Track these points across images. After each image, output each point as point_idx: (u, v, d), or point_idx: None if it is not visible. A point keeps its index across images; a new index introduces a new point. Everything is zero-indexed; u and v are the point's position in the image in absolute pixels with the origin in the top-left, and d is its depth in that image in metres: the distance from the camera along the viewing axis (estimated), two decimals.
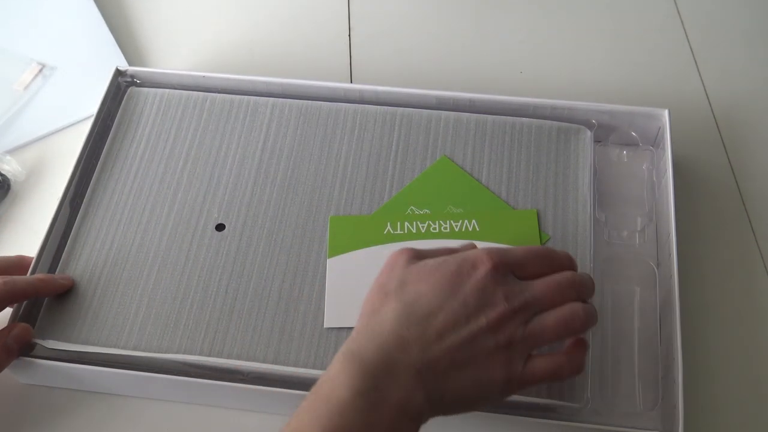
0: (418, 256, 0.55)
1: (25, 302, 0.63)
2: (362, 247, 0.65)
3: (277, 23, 0.89)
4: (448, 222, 0.66)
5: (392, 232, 0.66)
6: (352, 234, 0.66)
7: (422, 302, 0.51)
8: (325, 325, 0.62)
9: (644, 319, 0.64)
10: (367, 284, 0.62)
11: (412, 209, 0.67)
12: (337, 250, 0.65)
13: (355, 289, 0.63)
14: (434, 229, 0.66)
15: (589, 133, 0.70)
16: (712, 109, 0.79)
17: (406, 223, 0.66)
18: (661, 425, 0.59)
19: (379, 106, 0.73)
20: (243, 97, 0.74)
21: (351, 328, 0.61)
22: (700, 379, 0.63)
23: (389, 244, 0.65)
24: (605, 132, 0.72)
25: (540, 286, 0.53)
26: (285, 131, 0.72)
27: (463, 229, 0.65)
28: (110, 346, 0.61)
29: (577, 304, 0.53)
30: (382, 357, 0.49)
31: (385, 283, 0.54)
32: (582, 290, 0.54)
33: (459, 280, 0.52)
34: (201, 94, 0.74)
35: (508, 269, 0.53)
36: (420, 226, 0.66)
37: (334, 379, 0.48)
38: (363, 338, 0.51)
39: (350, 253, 0.65)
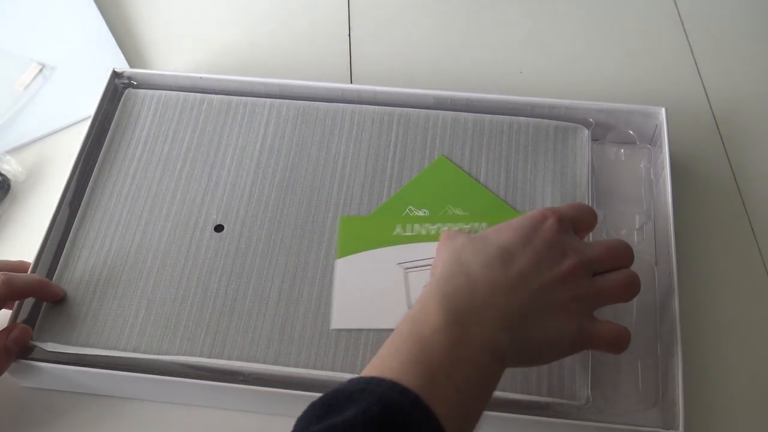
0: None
1: (23, 304, 0.64)
2: (371, 248, 0.65)
3: (278, 24, 0.89)
4: (458, 226, 0.66)
5: (402, 233, 0.66)
6: (361, 235, 0.66)
7: (499, 249, 0.52)
8: (332, 326, 0.62)
9: (643, 317, 0.64)
10: (375, 285, 0.63)
11: (410, 209, 0.67)
12: (346, 250, 0.65)
13: (363, 290, 0.63)
14: None
15: (586, 132, 0.70)
16: (711, 108, 0.79)
17: (416, 225, 0.66)
18: (662, 422, 0.59)
19: (376, 107, 0.73)
20: (240, 98, 0.74)
21: (357, 330, 0.61)
22: (700, 376, 0.63)
23: (398, 246, 0.65)
24: (603, 130, 0.73)
25: (601, 246, 0.55)
26: (283, 132, 0.72)
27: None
28: (110, 349, 0.61)
29: (632, 270, 0.55)
30: (465, 296, 0.49)
31: (454, 244, 0.54)
32: (631, 259, 0.55)
33: (529, 232, 0.53)
34: (198, 95, 0.74)
35: (570, 225, 0.55)
36: (430, 228, 0.66)
37: (415, 317, 0.49)
38: (442, 281, 0.51)
39: (359, 254, 0.65)
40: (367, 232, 0.66)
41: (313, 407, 0.44)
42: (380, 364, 0.46)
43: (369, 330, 0.61)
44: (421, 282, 0.63)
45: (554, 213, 0.54)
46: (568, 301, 0.51)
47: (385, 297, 0.62)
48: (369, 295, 0.63)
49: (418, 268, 0.64)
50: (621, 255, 0.55)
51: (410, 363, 0.45)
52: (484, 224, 0.65)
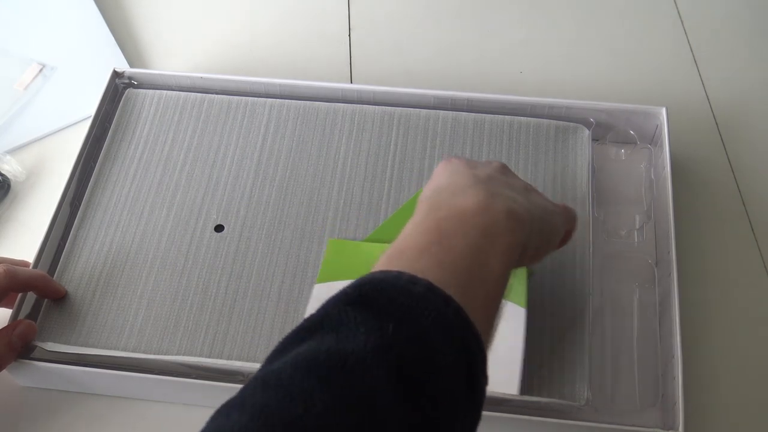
0: None
1: (24, 304, 0.63)
2: (353, 277, 0.64)
3: (278, 24, 0.89)
4: None
5: None
6: (346, 261, 0.64)
7: (452, 184, 0.52)
8: None
9: (643, 317, 0.64)
10: None
11: None
12: (326, 276, 0.64)
13: None
14: None
15: (587, 132, 0.70)
16: (711, 108, 0.79)
17: None
18: (662, 422, 0.59)
19: (377, 106, 0.73)
20: (241, 98, 0.74)
21: None
22: (700, 376, 0.63)
23: None
24: (603, 130, 0.72)
25: None
26: (283, 132, 0.72)
27: None
28: (110, 348, 0.61)
29: None
30: (443, 188, 0.50)
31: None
32: None
33: (444, 169, 0.54)
34: (199, 95, 0.74)
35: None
36: None
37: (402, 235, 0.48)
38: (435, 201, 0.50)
39: (339, 281, 0.63)
40: (352, 259, 0.64)
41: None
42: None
43: None
44: None
45: (449, 158, 0.56)
46: (525, 185, 0.53)
47: None
48: None
49: None
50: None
51: (400, 246, 0.47)
52: None
